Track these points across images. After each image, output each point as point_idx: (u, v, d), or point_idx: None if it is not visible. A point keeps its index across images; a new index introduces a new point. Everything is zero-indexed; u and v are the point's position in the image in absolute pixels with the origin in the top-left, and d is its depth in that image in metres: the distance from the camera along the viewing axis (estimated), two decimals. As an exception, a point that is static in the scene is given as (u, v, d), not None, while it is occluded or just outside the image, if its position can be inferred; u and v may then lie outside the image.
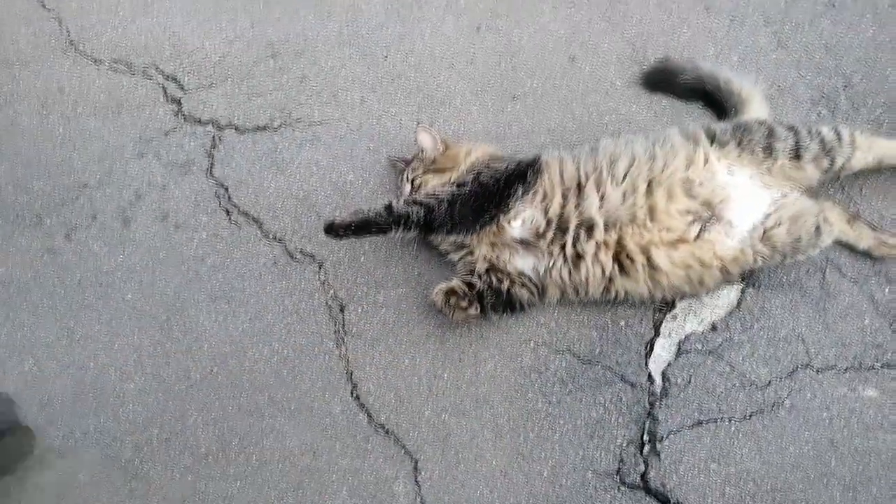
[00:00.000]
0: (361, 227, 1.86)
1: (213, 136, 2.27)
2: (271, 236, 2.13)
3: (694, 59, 2.24)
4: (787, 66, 2.24)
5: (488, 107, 2.26)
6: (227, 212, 2.17)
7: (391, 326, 2.01)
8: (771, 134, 1.89)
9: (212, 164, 2.23)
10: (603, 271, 1.87)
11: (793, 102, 2.20)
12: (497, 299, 1.92)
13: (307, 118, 2.29)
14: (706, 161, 1.87)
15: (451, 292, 1.88)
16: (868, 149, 1.94)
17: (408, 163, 2.10)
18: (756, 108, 2.10)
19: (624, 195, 1.85)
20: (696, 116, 2.17)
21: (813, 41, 2.28)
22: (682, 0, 2.37)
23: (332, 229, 1.85)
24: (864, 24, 2.29)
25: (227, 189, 2.20)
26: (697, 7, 2.37)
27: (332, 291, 2.06)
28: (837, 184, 2.03)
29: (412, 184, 2.06)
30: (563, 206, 1.88)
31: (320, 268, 2.09)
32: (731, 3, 2.36)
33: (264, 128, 2.28)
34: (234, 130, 2.28)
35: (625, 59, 2.31)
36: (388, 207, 1.88)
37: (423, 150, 2.08)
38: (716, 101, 2.18)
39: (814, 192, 1.91)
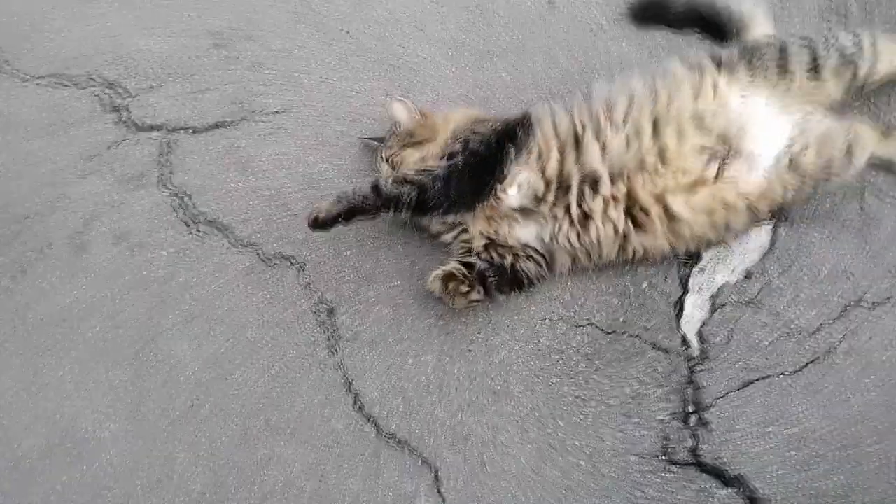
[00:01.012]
0: (349, 215, 1.64)
1: (165, 142, 2.05)
2: (242, 243, 1.91)
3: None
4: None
5: (465, 69, 2.04)
6: (190, 222, 1.95)
7: (388, 324, 1.79)
8: (783, 50, 1.68)
9: (167, 172, 2.01)
10: (615, 229, 1.65)
11: (799, 15, 1.98)
12: (501, 277, 1.71)
13: (266, 108, 2.07)
14: (715, 89, 1.65)
15: (449, 277, 1.67)
16: (893, 52, 1.72)
17: (382, 141, 1.87)
18: (760, 26, 1.88)
19: (628, 140, 1.64)
20: (696, 46, 1.95)
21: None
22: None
23: (318, 223, 1.63)
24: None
25: (187, 197, 1.97)
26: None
27: (317, 295, 1.84)
28: (863, 98, 1.80)
29: (390, 162, 1.83)
30: (562, 163, 1.67)
31: (301, 270, 1.86)
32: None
33: (220, 125, 2.06)
34: (187, 133, 2.06)
35: (607, -3, 2.09)
36: (376, 188, 1.65)
37: (397, 124, 1.85)
38: (714, 25, 1.96)
39: (839, 110, 1.70)
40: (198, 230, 1.93)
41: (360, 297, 1.82)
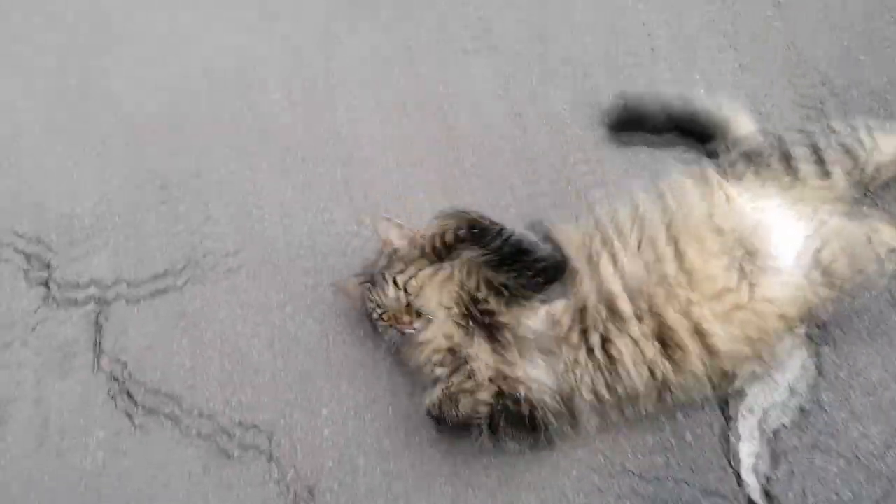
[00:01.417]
0: None
1: (98, 306, 1.74)
2: (197, 431, 1.57)
3: (655, 90, 1.95)
4: (757, 81, 1.97)
5: (438, 188, 1.86)
6: (129, 398, 1.61)
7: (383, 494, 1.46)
8: (784, 148, 1.59)
9: (99, 341, 1.69)
10: (643, 356, 1.42)
11: (779, 115, 1.91)
12: (511, 414, 1.43)
13: (218, 251, 1.81)
14: (725, 196, 1.53)
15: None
16: (889, 143, 1.65)
17: (371, 278, 1.59)
18: (743, 126, 1.81)
19: (643, 255, 1.47)
20: (690, 156, 1.83)
21: (774, 49, 2.03)
22: (627, 37, 2.11)
23: None
24: (818, 17, 2.07)
25: (124, 374, 1.65)
26: (643, 47, 2.10)
27: (293, 490, 1.50)
28: (875, 195, 1.70)
29: (406, 289, 1.52)
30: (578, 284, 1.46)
31: (271, 460, 1.53)
32: (673, 31, 2.11)
33: (163, 276, 1.78)
34: (124, 291, 1.76)
35: (577, 104, 1.98)
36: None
37: (391, 247, 1.58)
38: (694, 132, 1.87)
39: (854, 207, 1.59)
40: (143, 404, 1.59)
41: (343, 470, 1.50)
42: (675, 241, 1.47)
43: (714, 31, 2.09)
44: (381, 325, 1.53)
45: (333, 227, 1.82)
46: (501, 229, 1.47)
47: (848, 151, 1.59)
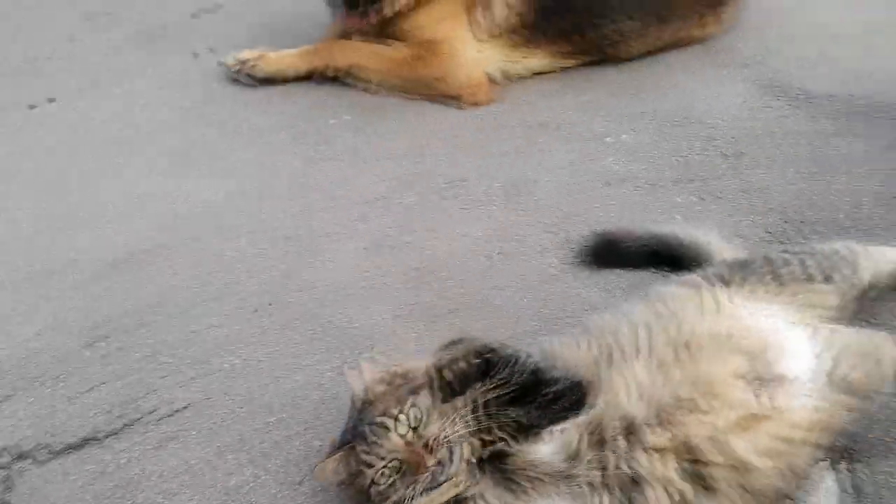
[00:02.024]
0: None
1: (4, 475, 1.41)
2: None
3: (627, 226, 1.97)
4: (722, 219, 2.01)
5: (422, 330, 1.72)
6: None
7: None
8: (769, 259, 1.58)
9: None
10: (681, 496, 1.22)
11: (744, 246, 1.93)
12: None
13: (164, 404, 1.55)
14: (719, 305, 1.45)
15: None
16: (869, 260, 1.65)
17: (355, 435, 1.30)
18: (719, 252, 1.81)
19: (651, 371, 1.33)
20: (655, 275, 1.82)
21: (729, 189, 2.12)
22: (590, 180, 2.17)
23: None
24: (765, 162, 2.21)
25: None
26: (597, 184, 2.16)
27: None
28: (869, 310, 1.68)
29: (415, 429, 1.24)
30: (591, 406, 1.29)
31: None
32: (640, 173, 2.19)
33: (91, 439, 1.48)
34: (38, 458, 1.45)
35: (553, 243, 1.96)
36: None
37: (370, 391, 1.34)
38: (670, 259, 1.86)
39: (852, 321, 1.56)
40: None
41: None
42: (682, 353, 1.34)
43: (677, 179, 2.18)
44: (394, 488, 1.25)
45: (301, 375, 1.61)
46: (513, 356, 1.31)
47: (833, 267, 1.58)
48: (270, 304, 1.78)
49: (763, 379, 1.32)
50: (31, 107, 2.39)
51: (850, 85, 2.54)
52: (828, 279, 1.54)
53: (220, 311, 1.75)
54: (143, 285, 1.81)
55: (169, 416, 1.53)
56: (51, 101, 2.39)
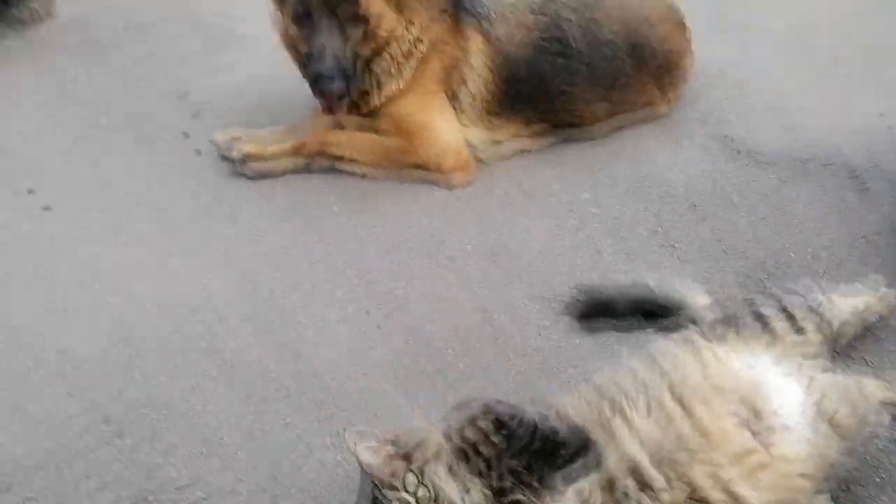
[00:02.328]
0: None
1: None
2: None
3: (610, 281, 2.07)
4: (698, 269, 2.14)
5: (422, 397, 1.77)
6: None
7: None
8: (753, 304, 1.70)
9: None
10: None
11: (726, 294, 2.03)
12: None
13: (170, 484, 1.56)
14: (715, 357, 1.54)
15: None
16: (843, 299, 1.79)
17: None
18: (702, 298, 1.92)
19: (657, 419, 1.41)
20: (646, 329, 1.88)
21: (698, 242, 2.26)
22: (570, 244, 2.29)
23: None
24: (733, 210, 2.37)
25: None
26: (577, 245, 2.28)
27: None
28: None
29: (435, 500, 1.27)
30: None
31: None
32: (615, 235, 2.31)
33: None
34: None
35: (541, 303, 2.05)
36: None
37: (380, 469, 1.35)
38: (656, 312, 1.95)
39: (832, 366, 1.66)
40: None
41: None
42: (681, 402, 1.43)
43: (649, 235, 2.31)
44: None
45: (300, 444, 1.64)
46: (523, 415, 1.35)
47: (812, 310, 1.69)
48: (277, 390, 1.81)
49: (754, 420, 1.41)
50: (46, 208, 2.47)
51: (799, 140, 2.73)
52: (807, 321, 1.65)
53: (216, 387, 1.79)
54: (140, 368, 1.85)
55: (176, 496, 1.54)
56: (30, 192, 2.48)
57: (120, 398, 1.76)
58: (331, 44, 2.41)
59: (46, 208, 2.47)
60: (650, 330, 1.87)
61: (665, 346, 1.59)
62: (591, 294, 2.02)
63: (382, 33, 2.46)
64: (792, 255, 2.18)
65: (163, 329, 1.96)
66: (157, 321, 1.98)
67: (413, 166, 2.59)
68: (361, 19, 2.41)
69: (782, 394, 1.47)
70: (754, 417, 1.42)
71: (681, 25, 2.97)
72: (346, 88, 2.44)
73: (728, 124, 2.86)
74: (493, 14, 2.69)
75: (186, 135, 2.82)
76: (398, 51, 2.54)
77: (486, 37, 2.65)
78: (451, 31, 2.64)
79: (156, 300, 2.07)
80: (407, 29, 2.53)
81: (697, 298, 1.91)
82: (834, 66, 3.33)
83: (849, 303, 1.80)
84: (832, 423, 1.45)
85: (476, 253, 2.26)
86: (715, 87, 3.13)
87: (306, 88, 2.64)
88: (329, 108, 2.56)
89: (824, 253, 2.17)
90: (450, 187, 2.58)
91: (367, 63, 2.52)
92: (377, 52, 2.51)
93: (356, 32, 2.42)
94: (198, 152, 2.78)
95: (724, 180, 2.54)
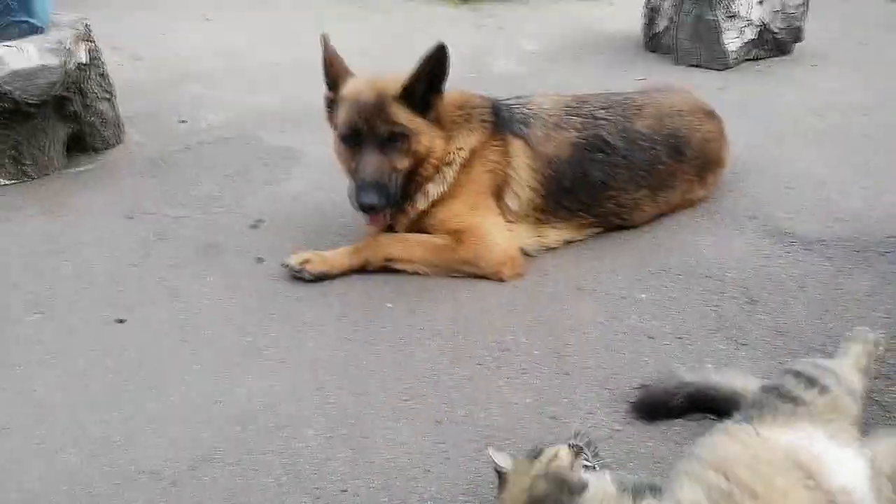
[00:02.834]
0: None
1: None
2: None
3: (672, 375, 2.09)
4: (746, 364, 2.15)
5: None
6: None
7: None
8: (783, 387, 1.72)
9: None
10: None
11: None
12: None
13: None
14: (768, 442, 1.56)
15: None
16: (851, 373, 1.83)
17: None
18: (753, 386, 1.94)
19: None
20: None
21: (754, 333, 2.28)
22: (626, 336, 2.32)
23: None
24: (778, 300, 2.41)
25: None
26: (640, 338, 2.32)
27: None
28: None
29: None
30: None
31: None
32: (671, 326, 2.35)
33: None
34: None
35: (601, 400, 2.08)
36: None
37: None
38: (715, 405, 1.96)
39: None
40: None
41: None
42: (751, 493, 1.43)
43: (704, 328, 2.34)
44: None
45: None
46: None
47: (822, 367, 1.77)
48: (344, 491, 1.85)
49: (826, 491, 1.41)
50: (120, 321, 2.61)
51: (851, 229, 2.77)
52: (824, 389, 1.68)
53: (298, 501, 1.82)
54: (223, 483, 1.90)
55: None
56: (120, 321, 2.62)
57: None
58: (371, 161, 2.64)
59: (120, 321, 2.61)
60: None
61: (711, 439, 1.62)
62: (652, 392, 2.04)
63: (422, 149, 2.68)
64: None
65: (242, 447, 2.01)
66: (237, 438, 2.04)
67: (463, 262, 2.70)
68: (402, 138, 2.63)
69: (846, 466, 1.48)
70: (821, 488, 1.41)
71: (710, 114, 3.11)
72: (383, 201, 2.64)
73: (777, 218, 2.92)
74: (532, 119, 2.87)
75: (260, 259, 2.98)
76: (439, 160, 2.73)
77: (526, 140, 2.82)
78: (492, 137, 2.82)
79: (234, 419, 2.14)
80: (447, 142, 2.72)
81: (748, 386, 1.92)
82: (868, 153, 3.41)
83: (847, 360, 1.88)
84: (884, 478, 1.47)
85: (532, 351, 2.30)
86: (759, 182, 3.22)
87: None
88: (372, 220, 2.74)
89: (894, 342, 2.16)
90: (501, 280, 2.68)
91: (410, 173, 2.70)
92: (419, 163, 2.70)
93: (396, 149, 2.64)
94: (259, 260, 2.95)
95: (773, 271, 2.59)
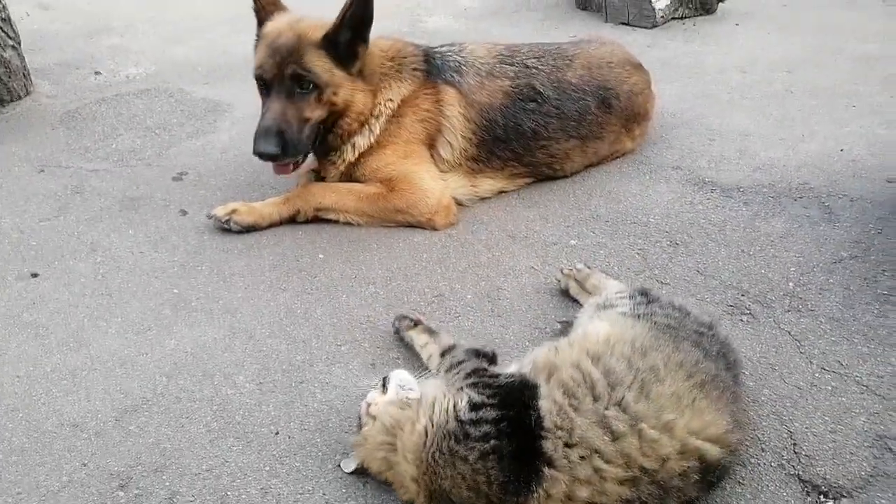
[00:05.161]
0: None
1: None
2: None
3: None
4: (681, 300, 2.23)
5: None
6: None
7: None
8: None
9: None
10: None
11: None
12: None
13: (190, 546, 1.55)
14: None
15: None
16: None
17: None
18: None
19: None
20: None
21: (682, 273, 2.36)
22: (550, 281, 2.37)
23: None
24: (702, 242, 2.47)
25: None
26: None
27: None
28: None
29: None
30: None
31: None
32: (599, 269, 2.40)
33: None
34: None
35: (535, 339, 2.11)
36: None
37: None
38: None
39: None
40: None
41: None
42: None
43: (635, 270, 2.41)
44: None
45: (316, 498, 1.66)
46: None
47: None
48: (276, 434, 1.83)
49: None
50: (34, 275, 2.48)
51: (769, 177, 2.91)
52: None
53: (229, 447, 1.80)
54: (151, 433, 1.85)
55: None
56: (34, 275, 2.49)
57: (136, 465, 1.75)
58: (275, 107, 2.54)
59: (34, 275, 2.48)
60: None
61: None
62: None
63: (339, 102, 2.60)
64: (768, 280, 2.30)
65: (171, 396, 1.96)
66: (165, 388, 1.99)
67: (396, 211, 2.68)
68: (314, 87, 2.54)
69: None
70: None
71: (638, 66, 3.17)
72: (279, 150, 2.54)
73: (700, 168, 3.02)
74: (464, 67, 2.84)
75: (184, 212, 2.87)
76: (362, 114, 2.67)
77: (459, 89, 2.79)
78: (424, 86, 2.77)
79: (158, 360, 2.08)
80: (371, 95, 2.66)
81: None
82: (789, 107, 3.56)
83: None
84: None
85: (466, 296, 2.32)
86: (684, 135, 3.32)
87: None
88: (276, 169, 2.68)
89: (804, 278, 2.29)
90: (434, 228, 2.68)
91: (333, 125, 2.65)
92: (337, 116, 2.63)
93: (306, 98, 2.55)
94: (183, 212, 2.84)
95: (696, 216, 2.68)
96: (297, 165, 2.70)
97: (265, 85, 2.58)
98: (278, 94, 2.55)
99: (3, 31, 3.68)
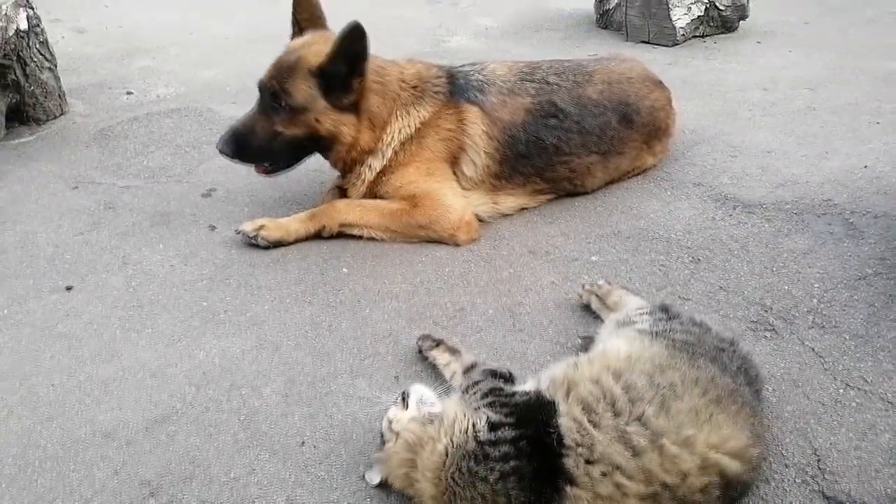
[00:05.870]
0: None
1: None
2: None
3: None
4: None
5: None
6: None
7: None
8: None
9: None
10: None
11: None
12: None
13: (218, 553, 1.59)
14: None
15: None
16: None
17: None
18: None
19: None
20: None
21: (704, 290, 2.37)
22: (571, 296, 2.38)
23: None
24: (723, 258, 2.47)
25: None
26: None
27: None
28: None
29: None
30: None
31: None
32: (620, 284, 2.42)
33: None
34: None
35: (556, 354, 2.12)
36: None
37: None
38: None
39: None
40: None
41: None
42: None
43: (655, 286, 2.42)
44: None
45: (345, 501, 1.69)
46: None
47: None
48: (302, 444, 1.87)
49: None
50: (69, 288, 2.56)
51: (792, 194, 2.90)
52: None
53: (253, 455, 1.84)
54: (180, 442, 1.89)
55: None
56: (69, 288, 2.57)
57: (165, 473, 1.80)
58: (249, 115, 2.74)
59: (68, 288, 2.56)
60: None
61: None
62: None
63: (322, 129, 2.71)
64: (790, 297, 2.29)
65: (200, 406, 2.01)
66: (194, 399, 2.04)
67: (419, 227, 2.73)
68: (290, 108, 2.65)
69: None
70: None
71: (658, 83, 3.19)
72: (232, 152, 2.72)
73: (722, 184, 3.03)
74: (486, 86, 2.89)
75: (213, 227, 2.94)
76: (354, 145, 2.76)
77: (482, 107, 2.85)
78: (446, 106, 2.83)
79: (186, 372, 2.14)
80: (369, 129, 2.75)
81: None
82: (811, 124, 3.56)
83: None
84: None
85: (487, 311, 2.35)
86: (706, 152, 3.33)
87: (324, 174, 2.94)
88: (255, 168, 2.84)
89: (828, 294, 2.29)
90: (457, 244, 2.72)
91: (325, 148, 2.79)
92: (331, 141, 2.74)
93: (281, 116, 2.67)
94: (212, 228, 2.92)
95: (718, 233, 2.69)
96: (267, 171, 2.84)
97: (259, 93, 2.75)
98: (259, 104, 2.74)
99: (41, 53, 3.82)
